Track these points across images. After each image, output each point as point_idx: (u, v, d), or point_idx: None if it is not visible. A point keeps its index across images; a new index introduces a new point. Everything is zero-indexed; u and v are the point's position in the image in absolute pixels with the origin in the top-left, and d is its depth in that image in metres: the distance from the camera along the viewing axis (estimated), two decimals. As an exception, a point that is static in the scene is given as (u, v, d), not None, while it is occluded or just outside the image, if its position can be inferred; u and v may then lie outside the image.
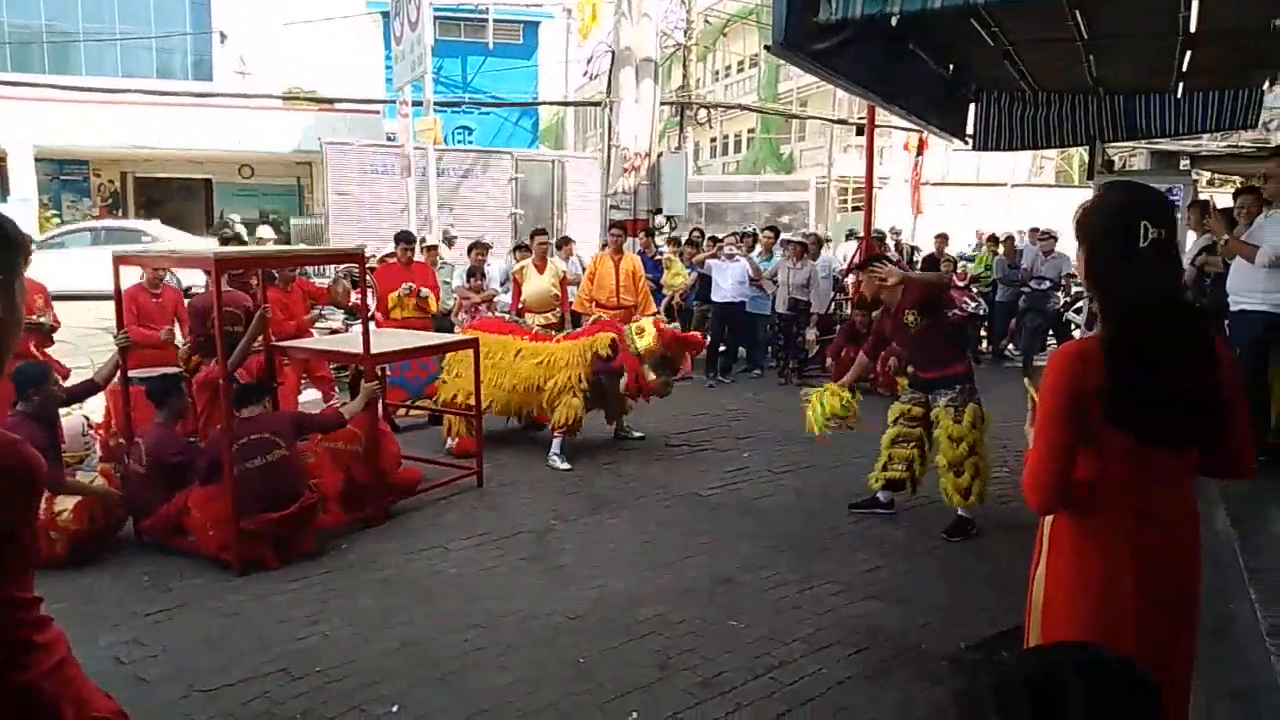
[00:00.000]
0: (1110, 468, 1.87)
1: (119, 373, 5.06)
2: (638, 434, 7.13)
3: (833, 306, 10.43)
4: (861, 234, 11.04)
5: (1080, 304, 10.15)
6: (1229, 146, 14.75)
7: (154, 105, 20.35)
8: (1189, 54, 7.46)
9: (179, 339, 6.65)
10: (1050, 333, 11.15)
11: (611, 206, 12.31)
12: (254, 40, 23.84)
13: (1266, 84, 8.55)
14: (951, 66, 8.54)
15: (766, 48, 5.32)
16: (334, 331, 8.80)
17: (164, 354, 6.44)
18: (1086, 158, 11.77)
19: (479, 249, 8.76)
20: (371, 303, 7.53)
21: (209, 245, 11.86)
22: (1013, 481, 6.06)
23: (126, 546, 4.79)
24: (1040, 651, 1.61)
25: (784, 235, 11.40)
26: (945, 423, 4.94)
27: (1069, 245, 11.07)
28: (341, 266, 9.60)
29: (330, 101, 22.56)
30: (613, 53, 12.43)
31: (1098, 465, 1.88)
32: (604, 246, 9.44)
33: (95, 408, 6.28)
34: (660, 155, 12.87)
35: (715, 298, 9.68)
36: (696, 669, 3.48)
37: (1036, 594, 2.02)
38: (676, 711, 3.18)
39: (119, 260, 5.03)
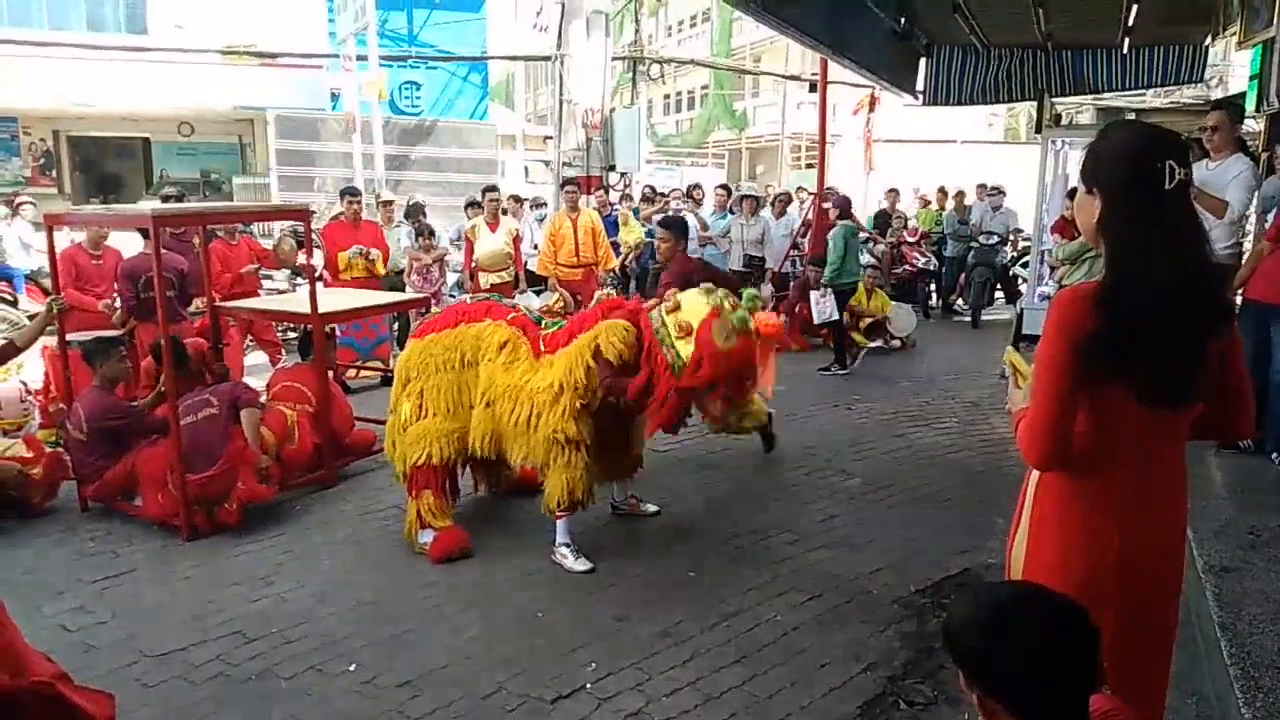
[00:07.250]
0: (1107, 424, 1.75)
1: (59, 337, 4.90)
2: (651, 507, 4.68)
3: (787, 263, 10.45)
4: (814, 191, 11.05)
5: (1027, 258, 10.30)
6: (1171, 102, 15.05)
7: (86, 60, 19.49)
8: (1134, 8, 7.56)
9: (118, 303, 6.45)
10: (998, 287, 11.34)
11: (564, 164, 12.15)
12: (188, -9, 22.84)
13: (1209, 39, 8.69)
14: (903, 19, 8.55)
15: (718, -2, 5.26)
16: (281, 293, 8.63)
17: (105, 318, 6.26)
18: (1035, 113, 11.89)
19: (415, 212, 8.66)
20: (319, 261, 7.40)
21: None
22: (960, 431, 6.20)
23: (67, 514, 4.69)
24: (990, 589, 1.65)
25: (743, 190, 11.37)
26: None
27: (1017, 201, 11.35)
28: (286, 225, 9.40)
29: (272, 56, 21.79)
30: (562, 4, 12.18)
31: (1095, 420, 1.76)
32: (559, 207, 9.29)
33: (34, 374, 6.10)
34: (613, 111, 12.72)
35: (668, 256, 9.62)
36: (654, 619, 3.52)
37: (1019, 546, 1.94)
38: (635, 661, 3.22)
39: (51, 220, 4.84)
